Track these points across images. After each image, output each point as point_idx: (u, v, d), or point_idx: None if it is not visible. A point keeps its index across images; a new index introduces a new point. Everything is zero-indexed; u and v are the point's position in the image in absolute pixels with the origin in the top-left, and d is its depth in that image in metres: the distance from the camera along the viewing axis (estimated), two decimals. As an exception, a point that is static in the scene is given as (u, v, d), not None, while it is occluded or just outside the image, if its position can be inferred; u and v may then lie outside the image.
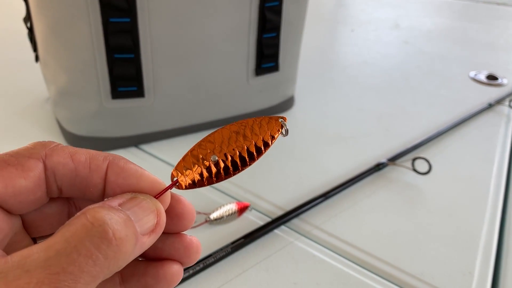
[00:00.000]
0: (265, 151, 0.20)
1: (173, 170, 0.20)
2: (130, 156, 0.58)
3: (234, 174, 0.20)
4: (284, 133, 0.20)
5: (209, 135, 0.20)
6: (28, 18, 0.55)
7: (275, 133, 0.20)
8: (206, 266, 0.40)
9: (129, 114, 0.56)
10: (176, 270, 0.20)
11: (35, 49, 0.57)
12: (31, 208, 0.18)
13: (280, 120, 0.20)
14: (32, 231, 0.19)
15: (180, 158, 0.20)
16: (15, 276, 0.13)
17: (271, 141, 0.20)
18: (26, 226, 0.19)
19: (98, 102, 0.53)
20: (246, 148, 0.20)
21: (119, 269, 0.16)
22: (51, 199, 0.19)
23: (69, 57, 0.51)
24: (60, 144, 0.19)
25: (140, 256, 0.20)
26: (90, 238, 0.14)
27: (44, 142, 0.18)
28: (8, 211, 0.17)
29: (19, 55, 0.82)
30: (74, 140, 0.57)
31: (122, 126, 0.57)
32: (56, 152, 0.18)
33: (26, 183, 0.17)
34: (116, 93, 0.53)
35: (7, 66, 0.83)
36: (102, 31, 0.49)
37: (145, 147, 0.60)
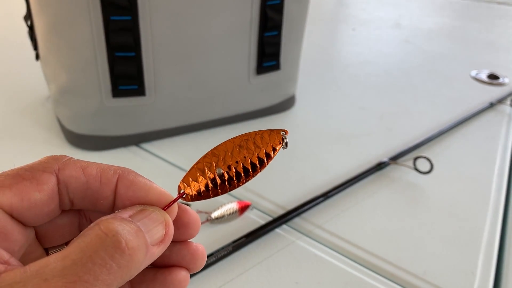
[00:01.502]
0: (267, 163, 0.21)
1: (180, 183, 0.21)
2: (131, 155, 0.57)
3: (238, 186, 0.21)
4: (284, 146, 0.21)
5: (213, 148, 0.21)
6: (28, 16, 0.55)
7: (276, 145, 0.21)
8: (207, 265, 0.40)
9: (130, 112, 0.55)
10: (183, 276, 0.21)
11: (35, 47, 0.57)
12: (45, 220, 0.19)
13: (281, 133, 0.21)
14: (44, 242, 0.20)
15: (186, 169, 0.21)
16: (34, 285, 0.14)
17: (273, 153, 0.21)
18: (38, 237, 0.20)
19: (98, 100, 0.53)
20: (249, 160, 0.21)
21: (131, 278, 0.16)
22: (63, 211, 0.20)
23: (70, 55, 0.51)
24: (72, 158, 0.19)
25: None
26: (104, 248, 0.15)
27: (57, 156, 0.19)
28: (23, 223, 0.18)
29: (19, 54, 0.82)
30: (75, 138, 0.57)
31: (122, 125, 0.56)
32: (68, 166, 0.19)
33: (41, 196, 0.18)
34: (117, 92, 0.53)
35: (8, 64, 0.82)
36: (103, 29, 0.49)
37: (146, 145, 0.59)
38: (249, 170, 0.21)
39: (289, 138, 0.22)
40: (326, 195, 0.50)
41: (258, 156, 0.21)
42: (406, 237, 0.46)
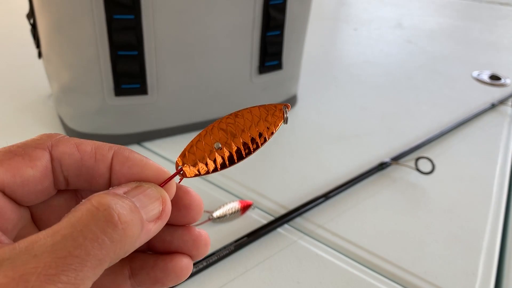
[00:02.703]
0: (268, 139, 0.20)
1: (178, 159, 0.20)
2: (133, 153, 0.57)
3: (238, 162, 0.20)
4: (285, 121, 0.21)
5: (212, 125, 0.21)
6: (31, 14, 0.55)
7: (278, 123, 0.20)
8: (209, 265, 0.40)
9: (132, 111, 0.56)
10: (185, 264, 0.20)
11: (38, 45, 0.57)
12: (39, 199, 0.18)
13: (283, 107, 0.20)
14: (41, 225, 0.19)
15: (184, 147, 0.20)
16: (23, 261, 0.13)
17: (275, 130, 0.20)
18: (35, 219, 0.19)
19: (101, 99, 0.53)
20: (250, 137, 0.20)
21: (126, 255, 0.16)
22: (59, 192, 0.19)
23: (73, 54, 0.51)
24: (65, 136, 0.19)
25: (150, 249, 0.20)
26: (96, 222, 0.15)
27: (50, 134, 0.19)
28: (17, 202, 0.17)
29: (22, 51, 0.82)
30: (77, 137, 0.57)
31: (125, 123, 0.56)
32: (62, 142, 0.18)
33: (34, 172, 0.17)
34: (119, 90, 0.53)
35: (10, 62, 0.82)
36: (106, 28, 0.49)
37: (148, 144, 0.60)
38: (250, 146, 0.20)
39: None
40: (327, 195, 0.50)
41: (259, 132, 0.20)
42: (407, 237, 0.46)
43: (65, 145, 0.18)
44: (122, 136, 0.57)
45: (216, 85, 0.59)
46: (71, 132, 0.57)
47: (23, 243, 0.14)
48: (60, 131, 0.60)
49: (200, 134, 0.20)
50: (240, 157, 0.20)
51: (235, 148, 0.20)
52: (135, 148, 0.59)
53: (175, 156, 0.57)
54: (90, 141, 0.19)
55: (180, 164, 0.20)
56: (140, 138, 0.59)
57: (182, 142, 0.61)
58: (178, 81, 0.56)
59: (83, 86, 0.53)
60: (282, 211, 0.48)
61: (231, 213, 0.46)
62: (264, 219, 0.47)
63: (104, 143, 0.19)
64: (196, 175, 0.20)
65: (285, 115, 0.20)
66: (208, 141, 0.20)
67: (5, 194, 0.17)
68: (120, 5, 0.48)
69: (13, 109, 0.66)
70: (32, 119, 0.63)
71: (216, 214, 0.45)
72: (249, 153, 0.20)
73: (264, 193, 0.51)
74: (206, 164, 0.20)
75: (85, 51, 0.50)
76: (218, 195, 0.50)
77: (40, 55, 0.58)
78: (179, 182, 0.20)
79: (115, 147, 0.19)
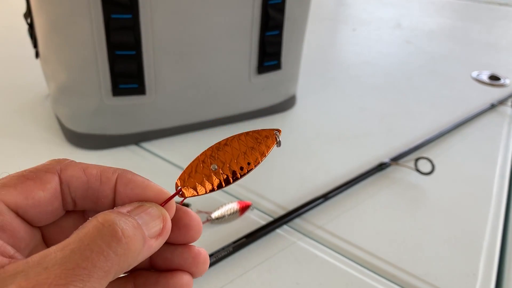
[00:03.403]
0: (261, 160, 0.21)
1: (177, 180, 0.22)
2: (131, 154, 0.57)
3: (233, 182, 0.21)
4: (278, 144, 0.22)
5: (209, 149, 0.22)
6: (28, 14, 0.55)
7: (271, 147, 0.22)
8: (207, 266, 0.39)
9: (130, 111, 0.55)
10: (186, 281, 0.21)
11: (35, 45, 0.57)
12: (50, 219, 0.20)
13: (274, 132, 0.22)
14: (51, 244, 0.20)
15: (184, 168, 0.22)
16: (36, 273, 0.14)
17: (267, 152, 0.22)
18: (45, 239, 0.21)
19: (98, 99, 0.53)
20: (246, 163, 0.22)
21: (129, 268, 0.17)
22: (67, 213, 0.21)
23: (70, 54, 0.51)
24: (73, 160, 0.20)
25: (152, 267, 0.22)
26: (102, 237, 0.16)
27: (59, 159, 0.20)
28: (29, 222, 0.19)
29: (19, 51, 0.82)
30: (74, 137, 0.57)
31: (122, 124, 0.56)
32: (70, 167, 0.20)
33: (44, 194, 0.19)
34: (117, 90, 0.53)
35: (7, 62, 0.82)
36: (103, 28, 0.49)
37: (146, 145, 0.59)
38: (243, 167, 0.21)
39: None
40: (326, 196, 0.50)
41: (246, 162, 0.22)
42: (407, 238, 0.46)
43: (73, 169, 0.20)
44: (119, 136, 0.57)
45: (214, 85, 0.59)
46: (68, 133, 0.57)
47: (35, 257, 0.15)
48: (58, 131, 0.60)
49: (198, 158, 0.22)
50: (235, 179, 0.21)
51: (231, 171, 0.22)
52: (133, 148, 0.58)
53: (173, 156, 0.57)
54: (96, 165, 0.20)
55: (180, 185, 0.22)
56: (138, 138, 0.59)
57: (180, 142, 0.60)
58: (176, 81, 0.56)
59: (81, 86, 0.52)
60: (281, 212, 0.48)
61: (230, 214, 0.46)
62: (263, 220, 0.47)
63: (109, 166, 0.20)
64: (193, 195, 0.21)
65: (277, 139, 0.22)
66: (206, 164, 0.22)
67: (18, 215, 0.18)
68: (117, 4, 0.48)
69: (10, 110, 0.65)
70: (29, 120, 0.63)
71: (214, 215, 0.45)
72: (243, 175, 0.22)
73: (263, 194, 0.51)
74: (203, 185, 0.21)
75: (83, 51, 0.50)
76: (217, 196, 0.50)
77: (37, 55, 0.58)
78: (180, 203, 0.21)
79: (119, 170, 0.20)
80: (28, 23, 0.56)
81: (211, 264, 0.40)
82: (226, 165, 0.21)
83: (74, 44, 0.50)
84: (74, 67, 0.51)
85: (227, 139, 0.22)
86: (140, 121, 0.57)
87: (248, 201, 0.48)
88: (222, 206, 0.46)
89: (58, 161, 0.20)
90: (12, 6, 1.12)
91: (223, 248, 0.41)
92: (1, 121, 0.63)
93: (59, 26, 0.49)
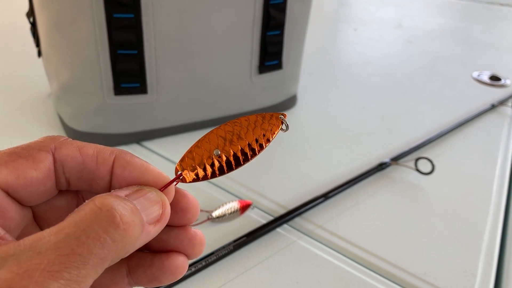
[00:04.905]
0: (265, 146, 0.21)
1: (177, 164, 0.21)
2: (132, 152, 0.57)
3: (236, 168, 0.21)
4: (284, 128, 0.21)
5: (211, 132, 0.21)
6: (31, 13, 0.55)
7: (275, 130, 0.21)
8: (208, 264, 0.40)
9: (132, 110, 0.55)
10: (181, 262, 0.20)
11: (37, 44, 0.57)
12: (42, 199, 0.19)
13: (280, 116, 0.21)
14: (42, 224, 0.20)
15: (184, 152, 0.21)
16: (27, 257, 0.14)
17: (272, 137, 0.21)
18: (36, 219, 0.20)
19: (100, 98, 0.53)
20: (247, 143, 0.21)
21: (126, 255, 0.16)
22: (60, 192, 0.20)
23: (72, 53, 0.51)
24: (68, 138, 0.19)
25: (147, 248, 0.21)
26: (98, 222, 0.15)
27: (53, 136, 0.19)
28: (19, 202, 0.18)
29: (21, 50, 0.82)
30: (76, 136, 0.57)
31: (124, 123, 0.56)
32: (65, 145, 0.19)
33: (37, 174, 0.18)
34: (119, 89, 0.53)
35: (9, 61, 0.82)
36: (105, 27, 0.49)
37: (147, 144, 0.59)
38: (247, 153, 0.21)
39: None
40: (327, 195, 0.50)
41: (256, 139, 0.21)
42: (406, 237, 0.46)
43: (68, 148, 0.19)
44: (121, 135, 0.57)
45: (215, 84, 0.59)
46: (70, 131, 0.57)
47: (27, 240, 0.14)
48: (60, 130, 0.60)
49: (199, 140, 0.21)
50: (238, 163, 0.21)
51: (232, 153, 0.21)
52: (135, 147, 0.59)
53: (174, 155, 0.57)
54: (93, 144, 0.19)
55: (180, 169, 0.21)
56: (140, 137, 0.59)
57: (181, 141, 0.61)
58: (178, 80, 0.56)
59: (83, 85, 0.53)
60: (282, 211, 0.48)
61: (230, 213, 0.46)
62: (263, 219, 0.47)
63: (106, 146, 0.19)
64: (194, 180, 0.21)
65: (284, 122, 0.21)
66: (206, 147, 0.21)
67: (8, 194, 0.17)
68: (120, 3, 0.48)
69: (12, 108, 0.66)
70: (31, 118, 0.63)
71: (215, 213, 0.45)
72: (246, 159, 0.21)
73: (263, 193, 0.51)
74: (205, 170, 0.21)
75: (85, 50, 0.50)
76: (217, 195, 0.50)
77: (39, 54, 0.58)
78: (175, 185, 0.20)
79: (117, 151, 0.19)
80: (30, 22, 0.56)
81: (212, 263, 0.40)
82: (228, 146, 0.21)
83: (76, 43, 0.50)
84: (76, 66, 0.51)
85: (231, 121, 0.21)
86: (142, 120, 0.57)
87: (248, 200, 0.48)
88: (222, 205, 0.46)
89: (53, 138, 0.19)
90: (15, 5, 1.12)
91: (223, 247, 0.41)
92: (3, 119, 0.63)
93: (61, 25, 0.49)
